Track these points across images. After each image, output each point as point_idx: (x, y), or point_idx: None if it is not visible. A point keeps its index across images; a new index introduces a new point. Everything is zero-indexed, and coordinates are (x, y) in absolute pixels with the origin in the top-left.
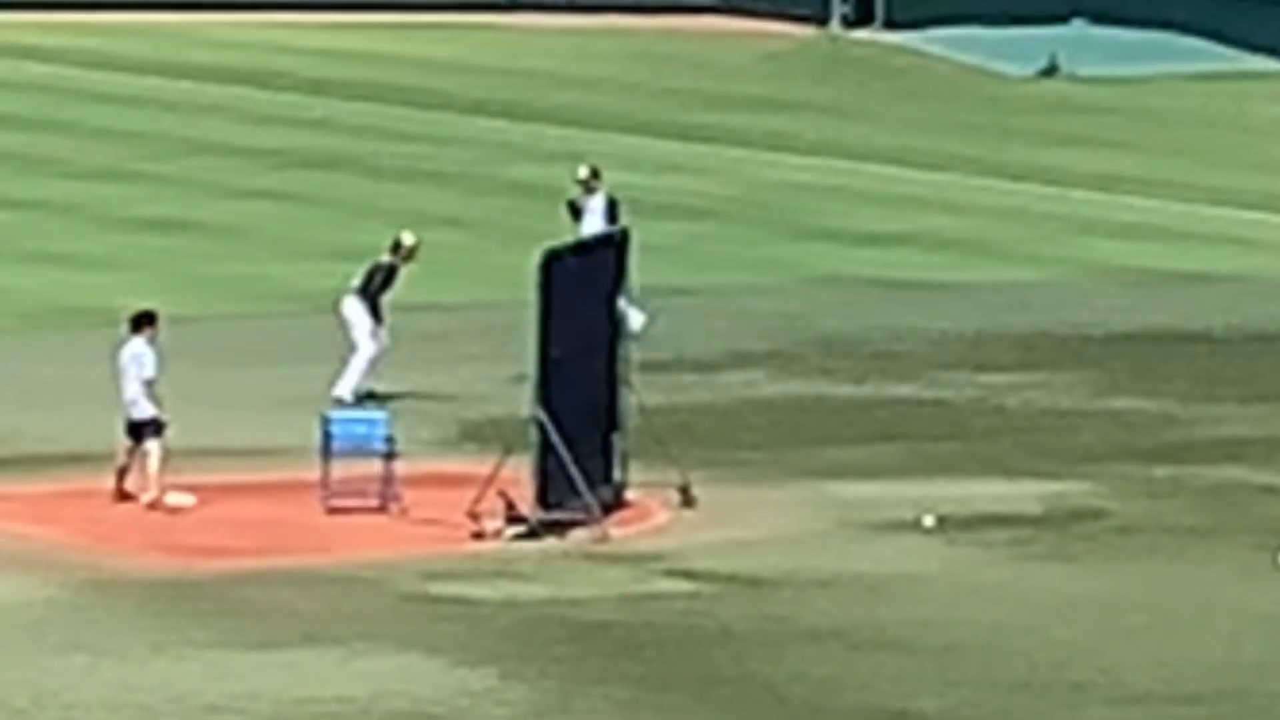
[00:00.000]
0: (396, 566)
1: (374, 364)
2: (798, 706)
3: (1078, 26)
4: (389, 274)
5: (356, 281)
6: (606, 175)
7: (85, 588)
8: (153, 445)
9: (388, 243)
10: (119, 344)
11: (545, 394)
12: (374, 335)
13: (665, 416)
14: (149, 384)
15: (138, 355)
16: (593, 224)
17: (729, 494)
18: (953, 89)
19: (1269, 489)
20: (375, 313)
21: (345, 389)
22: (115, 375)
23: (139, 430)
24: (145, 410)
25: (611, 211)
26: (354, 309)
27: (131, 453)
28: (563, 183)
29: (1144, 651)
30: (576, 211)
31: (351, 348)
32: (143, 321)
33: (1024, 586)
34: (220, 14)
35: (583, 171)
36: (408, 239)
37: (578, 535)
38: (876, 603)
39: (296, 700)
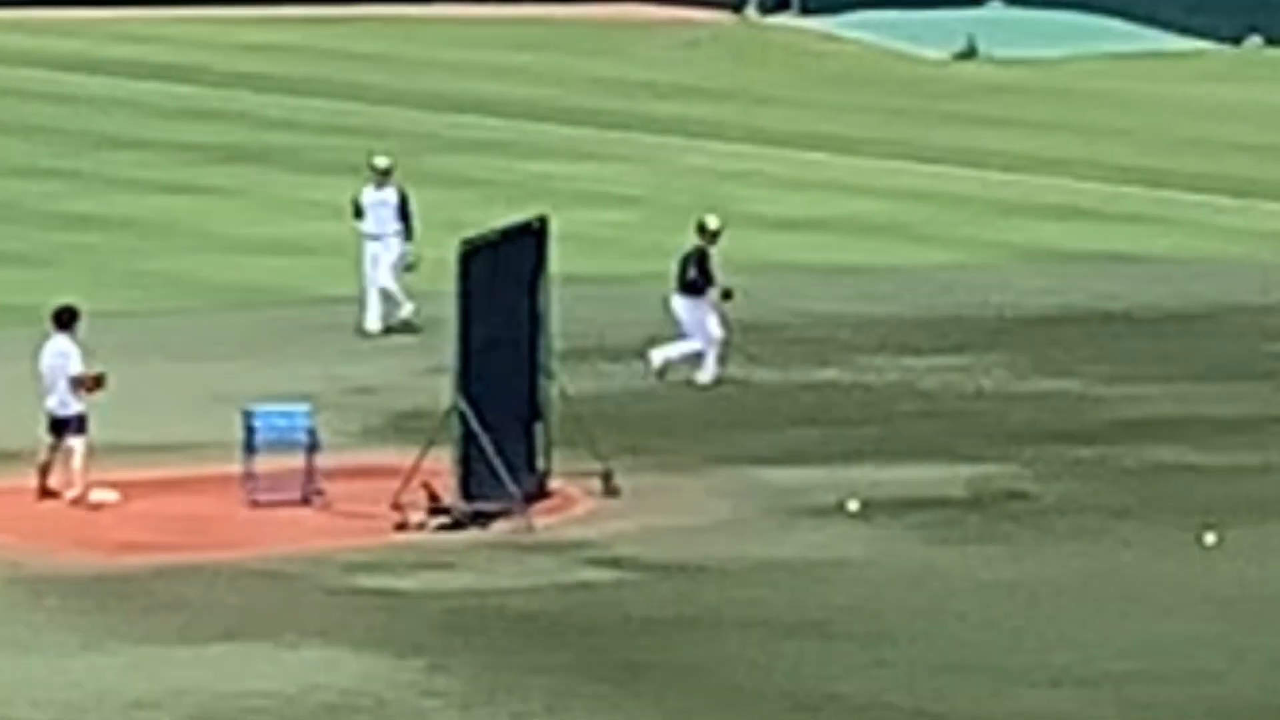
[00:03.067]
0: (321, 559)
1: (718, 345)
2: (725, 693)
3: (994, 8)
4: (700, 258)
5: (676, 279)
6: (529, 165)
7: (9, 585)
8: (77, 442)
9: (299, 236)
10: (42, 341)
11: (466, 384)
12: (705, 325)
13: (588, 405)
14: (75, 380)
15: (63, 352)
16: (382, 217)
17: (652, 481)
18: (870, 73)
19: (1192, 469)
20: (696, 294)
21: (706, 377)
22: (37, 372)
23: (62, 427)
24: (69, 407)
25: (403, 207)
26: (679, 304)
27: (54, 449)
28: (484, 173)
29: (1070, 632)
30: (359, 210)
31: (682, 338)
32: (66, 318)
33: (949, 570)
34: (139, 9)
35: (382, 161)
36: (712, 222)
37: (502, 525)
38: (802, 588)
39: (223, 694)
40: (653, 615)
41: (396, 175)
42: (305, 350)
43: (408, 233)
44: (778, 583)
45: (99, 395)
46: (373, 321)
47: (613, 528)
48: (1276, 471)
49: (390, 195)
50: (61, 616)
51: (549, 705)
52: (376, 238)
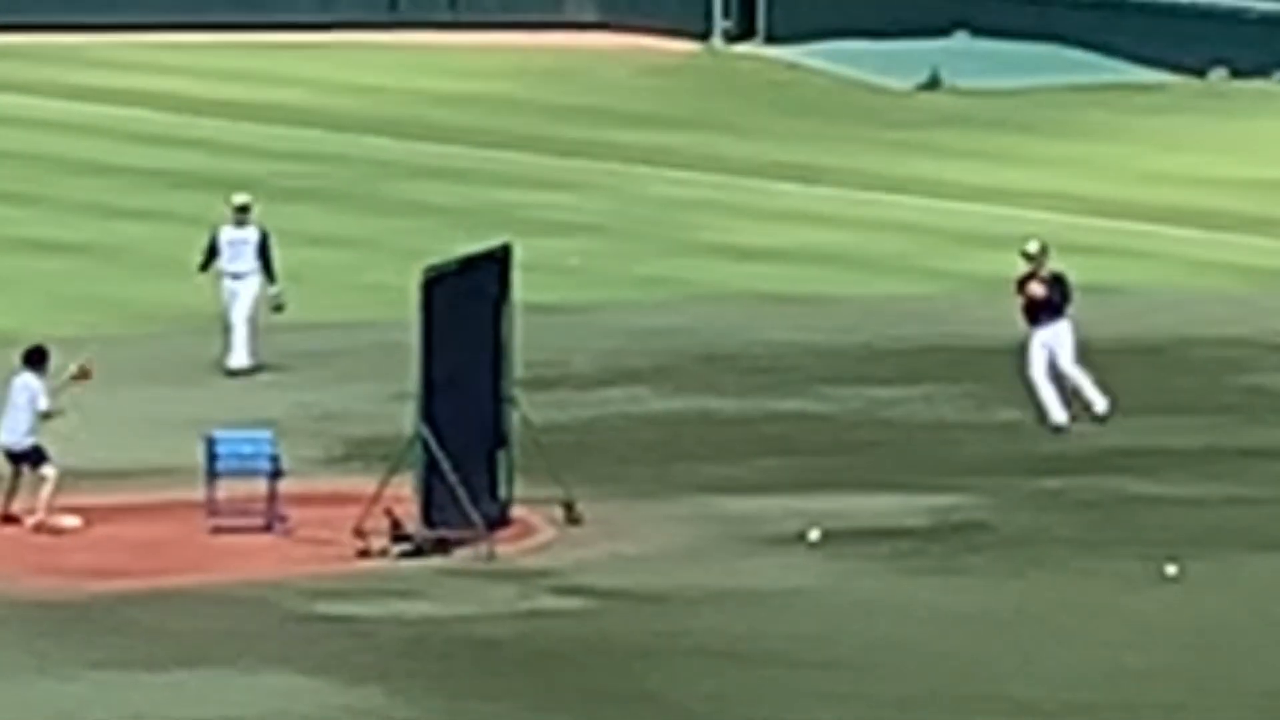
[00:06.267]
0: (282, 586)
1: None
2: None
3: (960, 39)
4: (1055, 284)
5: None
6: (492, 192)
7: None
8: (49, 470)
9: None
10: (13, 372)
11: (429, 411)
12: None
13: (550, 433)
14: (43, 416)
15: (30, 386)
16: (242, 256)
17: (614, 510)
18: (835, 103)
19: (1152, 500)
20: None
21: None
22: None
23: (18, 460)
24: (27, 440)
25: (263, 246)
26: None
27: (17, 475)
28: (447, 200)
29: (1029, 664)
30: (214, 250)
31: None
32: (36, 357)
33: (909, 600)
34: (97, 35)
35: (240, 198)
36: (1032, 247)
37: (463, 553)
38: (762, 617)
39: None
40: (613, 644)
41: (343, 205)
42: (268, 376)
43: (269, 273)
44: (737, 612)
45: (59, 424)
46: (238, 359)
47: (574, 556)
48: (1238, 503)
49: (250, 234)
50: (22, 641)
51: None
52: (236, 276)
